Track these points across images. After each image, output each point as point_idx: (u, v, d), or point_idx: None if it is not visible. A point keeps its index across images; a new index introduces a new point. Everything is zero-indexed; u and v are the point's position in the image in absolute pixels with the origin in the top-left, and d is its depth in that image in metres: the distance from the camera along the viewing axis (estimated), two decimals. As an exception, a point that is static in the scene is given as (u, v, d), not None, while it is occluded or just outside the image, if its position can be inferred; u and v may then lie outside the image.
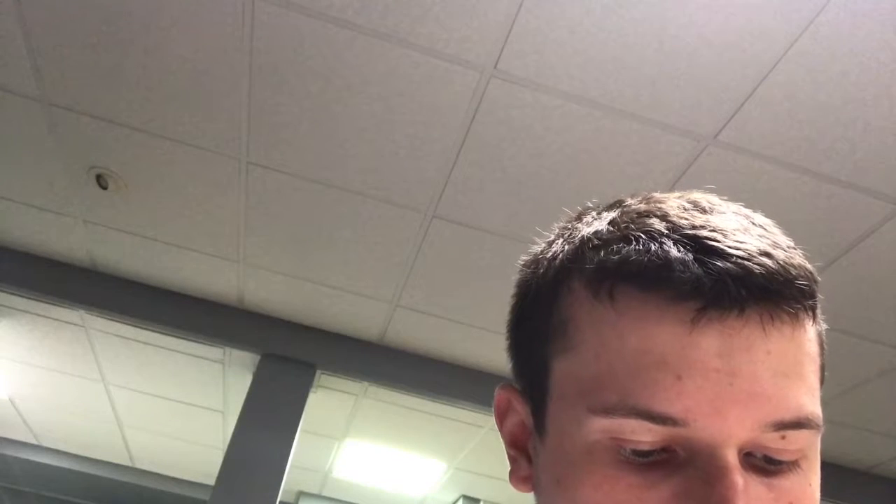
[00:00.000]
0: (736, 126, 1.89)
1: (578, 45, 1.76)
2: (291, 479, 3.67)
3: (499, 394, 0.57)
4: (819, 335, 0.48)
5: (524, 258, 0.57)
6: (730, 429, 0.42)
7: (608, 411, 0.44)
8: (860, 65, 1.69)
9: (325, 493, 4.93)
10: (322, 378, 3.26)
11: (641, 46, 1.73)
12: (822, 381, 0.48)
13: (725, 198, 0.51)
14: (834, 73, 1.72)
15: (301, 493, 4.94)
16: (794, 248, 0.47)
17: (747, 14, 1.63)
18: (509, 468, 0.55)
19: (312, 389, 3.11)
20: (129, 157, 2.36)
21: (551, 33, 1.74)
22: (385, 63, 1.89)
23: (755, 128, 1.88)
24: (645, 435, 0.43)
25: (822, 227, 2.14)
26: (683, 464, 0.43)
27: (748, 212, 0.50)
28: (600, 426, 0.44)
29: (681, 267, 0.44)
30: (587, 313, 0.48)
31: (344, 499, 4.93)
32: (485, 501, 4.52)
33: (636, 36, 1.71)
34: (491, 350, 3.02)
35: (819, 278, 0.47)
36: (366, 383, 3.29)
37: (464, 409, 3.27)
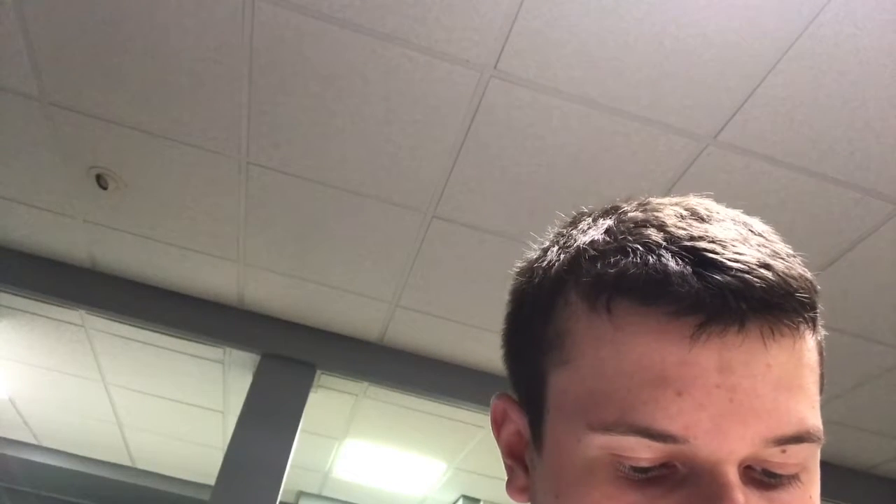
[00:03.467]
0: (736, 126, 1.89)
1: (578, 45, 1.76)
2: (291, 479, 3.66)
3: (495, 403, 0.56)
4: (819, 344, 0.48)
5: (518, 265, 0.56)
6: (730, 445, 0.42)
7: (607, 428, 0.43)
8: (860, 65, 1.69)
9: (325, 493, 4.92)
10: (322, 378, 3.25)
11: (641, 46, 1.73)
12: (822, 390, 0.48)
13: (724, 203, 0.50)
14: (834, 73, 1.72)
15: (301, 493, 4.94)
16: (794, 257, 0.47)
17: (747, 14, 1.62)
18: (506, 477, 0.55)
19: (312, 389, 3.11)
20: (129, 157, 2.36)
21: (551, 33, 1.74)
22: (385, 63, 1.88)
23: (755, 128, 1.88)
24: (644, 452, 0.43)
25: (822, 227, 2.14)
26: (683, 480, 0.43)
27: (746, 219, 0.49)
28: (599, 443, 0.44)
29: (679, 281, 0.43)
30: (584, 326, 0.47)
31: (344, 499, 4.93)
32: (485, 501, 4.52)
33: (636, 36, 1.71)
34: (491, 350, 3.02)
35: (819, 287, 0.47)
36: (366, 383, 3.29)
37: (464, 409, 3.27)
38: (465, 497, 4.50)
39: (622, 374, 0.44)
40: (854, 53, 1.66)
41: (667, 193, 0.53)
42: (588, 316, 0.47)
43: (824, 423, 0.46)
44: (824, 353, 0.49)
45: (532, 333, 0.51)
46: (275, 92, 2.02)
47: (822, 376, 0.48)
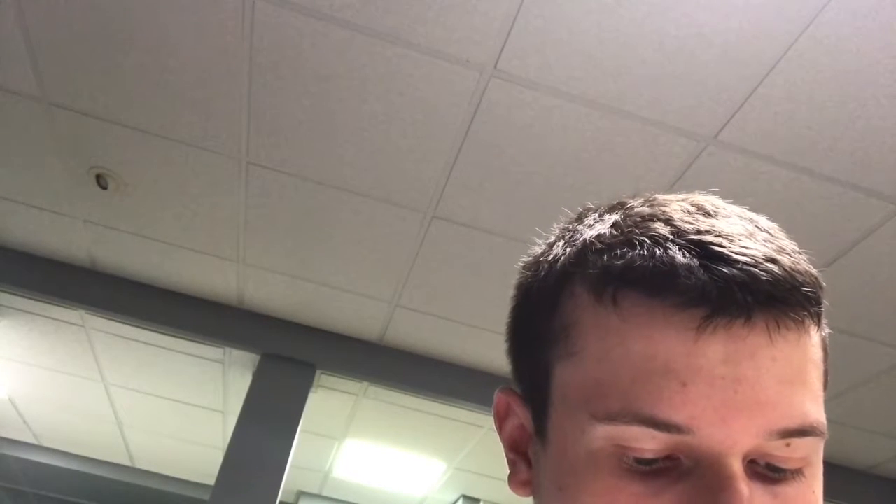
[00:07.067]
0: (736, 126, 1.89)
1: (578, 45, 1.76)
2: (291, 479, 3.66)
3: (498, 397, 0.56)
4: (823, 340, 0.48)
5: (524, 260, 0.56)
6: (735, 437, 0.42)
7: (611, 418, 0.43)
8: (860, 65, 1.69)
9: (325, 493, 4.92)
10: (322, 378, 3.25)
11: (641, 46, 1.73)
12: (826, 386, 0.48)
13: (730, 200, 0.50)
14: (834, 73, 1.72)
15: (301, 493, 4.93)
16: (800, 253, 0.47)
17: (747, 14, 1.63)
18: (508, 471, 0.55)
19: (312, 389, 3.11)
20: (129, 157, 2.36)
21: (551, 33, 1.74)
22: (385, 63, 1.88)
23: (755, 128, 1.88)
24: (649, 443, 0.43)
25: (822, 227, 2.14)
26: (688, 472, 0.43)
27: (752, 215, 0.49)
28: (603, 433, 0.44)
29: (686, 273, 0.43)
30: (590, 318, 0.47)
31: (344, 499, 4.93)
32: (485, 501, 4.52)
33: (636, 36, 1.71)
34: (491, 350, 3.02)
35: (824, 284, 0.47)
36: (366, 383, 3.29)
37: (464, 409, 3.27)
38: (465, 497, 4.50)
39: (627, 365, 0.44)
40: (854, 53, 1.66)
41: (667, 193, 0.53)
42: (594, 308, 0.47)
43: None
44: (828, 350, 0.49)
45: (537, 326, 0.52)
46: (275, 92, 2.02)
47: (825, 373, 0.48)
